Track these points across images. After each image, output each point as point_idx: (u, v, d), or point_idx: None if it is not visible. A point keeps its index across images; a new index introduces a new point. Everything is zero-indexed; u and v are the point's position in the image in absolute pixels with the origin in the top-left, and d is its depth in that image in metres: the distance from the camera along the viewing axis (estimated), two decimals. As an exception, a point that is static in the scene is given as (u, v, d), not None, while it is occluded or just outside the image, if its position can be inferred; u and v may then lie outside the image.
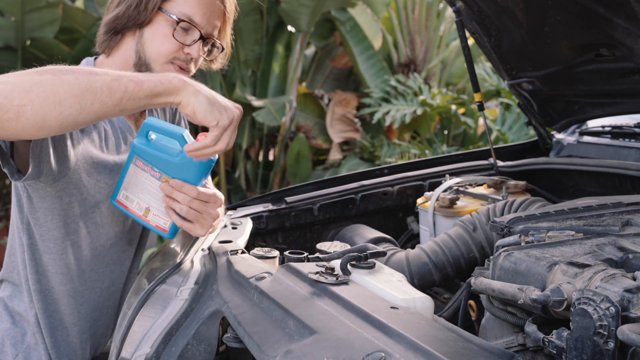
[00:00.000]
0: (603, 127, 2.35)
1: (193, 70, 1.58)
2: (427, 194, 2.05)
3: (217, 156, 1.40)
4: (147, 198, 1.46)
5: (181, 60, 1.54)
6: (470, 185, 2.12)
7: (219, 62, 1.68)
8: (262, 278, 1.27)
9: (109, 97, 1.19)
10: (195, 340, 1.29)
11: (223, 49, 1.62)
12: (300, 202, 2.06)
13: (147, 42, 1.53)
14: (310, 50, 6.99)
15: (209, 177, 1.59)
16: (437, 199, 1.95)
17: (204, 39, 1.55)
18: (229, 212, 1.98)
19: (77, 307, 1.63)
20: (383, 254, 1.30)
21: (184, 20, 1.50)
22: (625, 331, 0.83)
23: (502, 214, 1.73)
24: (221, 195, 1.51)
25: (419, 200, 2.05)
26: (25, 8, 4.76)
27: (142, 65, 1.54)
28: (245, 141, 6.16)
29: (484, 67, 6.14)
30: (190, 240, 1.64)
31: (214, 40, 1.59)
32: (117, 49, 1.57)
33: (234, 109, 1.31)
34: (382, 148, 6.06)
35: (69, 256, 1.57)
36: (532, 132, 3.30)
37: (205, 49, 1.58)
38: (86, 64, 1.59)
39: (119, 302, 1.74)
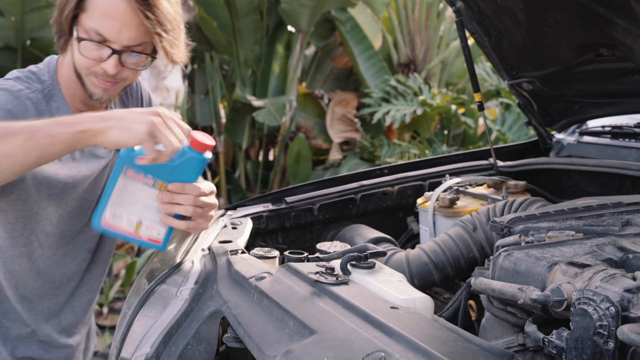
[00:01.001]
0: (603, 127, 2.35)
1: (120, 82, 1.48)
2: (427, 194, 2.05)
3: (210, 154, 1.37)
4: (138, 210, 1.39)
5: (99, 74, 1.44)
6: (470, 185, 2.12)
7: (178, 59, 1.50)
8: (262, 278, 1.27)
9: (25, 157, 1.19)
10: (195, 340, 1.29)
11: (154, 58, 1.49)
12: (300, 202, 2.05)
13: (74, 51, 1.46)
14: (310, 50, 6.98)
15: None
16: (437, 199, 1.95)
17: (119, 52, 1.42)
18: (229, 212, 1.98)
19: (26, 313, 1.61)
20: (383, 254, 1.30)
21: (83, 39, 1.40)
22: (625, 331, 0.83)
23: (502, 214, 1.73)
24: (211, 184, 1.48)
25: (419, 200, 2.05)
26: (25, 8, 4.75)
27: (78, 73, 1.47)
28: (245, 141, 6.15)
29: (484, 67, 6.13)
30: (190, 240, 1.64)
31: (135, 50, 1.44)
32: (66, 50, 1.51)
33: (148, 115, 1.24)
34: (382, 148, 6.05)
35: (16, 266, 1.56)
36: (532, 132, 3.30)
37: (131, 56, 1.44)
38: (49, 61, 1.55)
39: (88, 301, 1.75)
